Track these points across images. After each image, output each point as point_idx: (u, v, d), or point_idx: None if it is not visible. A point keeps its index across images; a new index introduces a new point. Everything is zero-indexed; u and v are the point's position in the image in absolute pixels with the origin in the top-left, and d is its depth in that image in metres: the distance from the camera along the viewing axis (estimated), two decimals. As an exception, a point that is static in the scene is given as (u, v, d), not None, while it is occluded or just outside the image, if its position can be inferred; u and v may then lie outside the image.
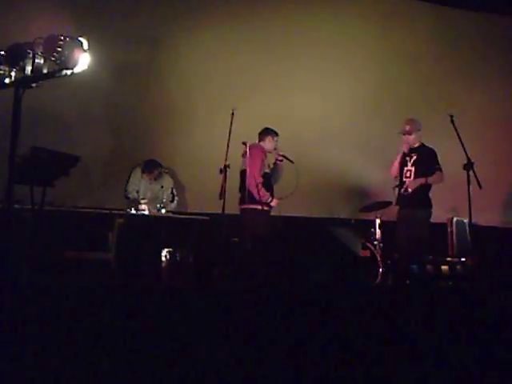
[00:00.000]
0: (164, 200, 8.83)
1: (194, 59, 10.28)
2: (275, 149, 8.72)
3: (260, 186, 8.28)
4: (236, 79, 10.43)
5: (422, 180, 8.23)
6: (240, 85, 10.38)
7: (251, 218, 8.33)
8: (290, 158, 8.59)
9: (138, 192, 9.02)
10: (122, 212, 8.39)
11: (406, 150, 8.43)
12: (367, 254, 8.63)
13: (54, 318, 4.30)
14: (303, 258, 8.04)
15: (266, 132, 8.73)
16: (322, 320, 4.81)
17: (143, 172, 9.18)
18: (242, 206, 8.39)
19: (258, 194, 8.25)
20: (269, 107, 10.36)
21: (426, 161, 8.37)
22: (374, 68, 11.27)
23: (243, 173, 8.36)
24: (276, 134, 8.74)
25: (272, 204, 8.42)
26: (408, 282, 8.12)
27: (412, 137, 8.44)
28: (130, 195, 9.04)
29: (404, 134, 8.43)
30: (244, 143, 8.38)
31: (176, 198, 9.21)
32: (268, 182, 8.49)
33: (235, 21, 10.58)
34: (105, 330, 4.21)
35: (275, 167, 8.76)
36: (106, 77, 8.96)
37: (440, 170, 8.36)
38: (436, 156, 8.41)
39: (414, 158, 8.37)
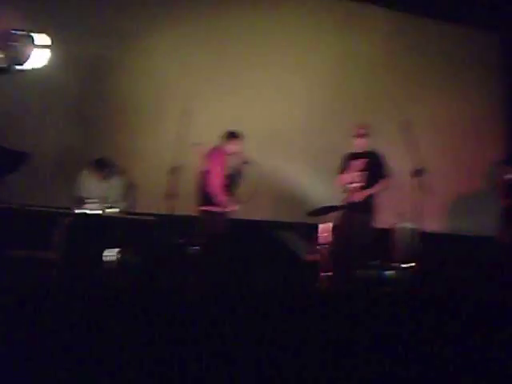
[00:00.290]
0: (114, 199, 8.78)
1: (149, 58, 10.26)
2: (238, 152, 8.72)
3: (223, 189, 8.32)
4: (191, 79, 10.40)
5: (370, 191, 8.27)
6: (194, 85, 10.34)
7: (210, 220, 8.36)
8: (252, 161, 8.63)
9: (87, 192, 8.95)
10: (69, 211, 8.33)
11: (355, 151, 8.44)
12: (313, 258, 8.64)
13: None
14: (250, 261, 8.04)
15: (230, 135, 8.74)
16: (263, 323, 4.84)
17: (93, 171, 9.10)
18: (202, 208, 8.41)
19: (219, 198, 8.32)
20: (223, 108, 10.36)
21: (378, 166, 8.41)
22: (330, 72, 11.31)
23: (203, 174, 8.38)
24: (238, 136, 8.76)
25: (230, 209, 8.46)
26: (353, 286, 8.15)
27: (364, 141, 8.47)
28: (79, 195, 8.97)
29: (358, 137, 8.43)
30: (196, 144, 8.39)
31: (125, 197, 9.16)
32: (229, 184, 8.50)
33: (188, 21, 10.56)
34: (49, 331, 4.20)
35: (238, 171, 8.75)
36: (60, 73, 8.90)
37: (389, 175, 8.42)
38: (385, 161, 8.47)
39: (365, 162, 8.37)
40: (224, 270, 7.67)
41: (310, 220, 9.14)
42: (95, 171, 9.09)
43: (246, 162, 8.68)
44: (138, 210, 9.25)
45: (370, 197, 8.36)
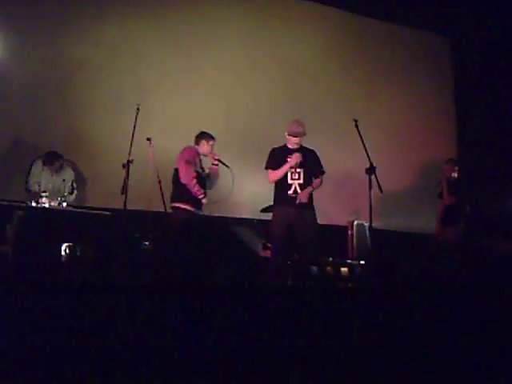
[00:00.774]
0: (65, 193, 8.70)
1: (101, 52, 10.19)
2: (210, 153, 8.70)
3: (195, 181, 8.32)
4: (143, 74, 10.37)
5: (310, 189, 8.25)
6: (147, 80, 10.32)
7: (180, 216, 8.34)
8: (225, 162, 8.59)
9: (39, 185, 8.84)
10: (22, 204, 8.22)
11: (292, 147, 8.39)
12: (267, 254, 8.63)
13: None
14: (205, 256, 8.01)
15: (201, 136, 8.70)
16: (218, 319, 4.80)
17: (44, 164, 8.99)
18: (173, 204, 8.39)
19: (194, 189, 8.32)
20: (175, 103, 10.36)
21: (315, 163, 8.40)
22: (277, 69, 11.35)
23: (176, 171, 8.40)
24: (211, 137, 8.69)
25: (203, 201, 8.42)
26: (307, 283, 8.16)
27: (302, 139, 8.42)
28: (31, 188, 8.86)
29: (298, 136, 8.38)
30: (149, 139, 8.42)
31: (75, 191, 9.06)
32: (200, 182, 8.46)
33: (143, 14, 10.53)
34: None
35: (210, 171, 8.74)
36: (12, 64, 8.81)
37: (324, 172, 8.44)
38: (319, 159, 8.49)
39: (300, 160, 8.32)
40: (179, 265, 7.62)
41: (263, 216, 9.13)
42: (47, 164, 8.98)
43: (217, 164, 8.65)
44: (90, 204, 9.18)
45: (311, 193, 8.35)
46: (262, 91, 11.08)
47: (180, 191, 8.42)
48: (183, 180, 8.36)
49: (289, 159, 8.24)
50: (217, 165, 8.69)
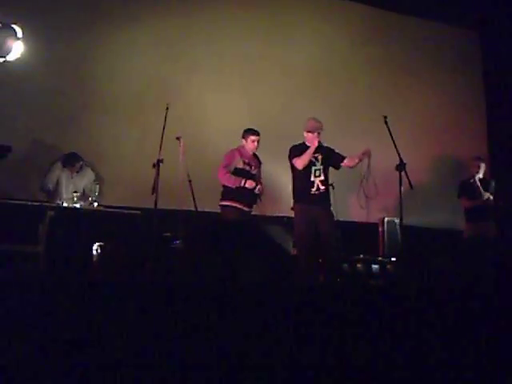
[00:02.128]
0: (96, 193, 8.70)
1: (129, 52, 10.20)
2: (254, 148, 8.79)
3: (228, 174, 8.49)
4: (173, 73, 10.38)
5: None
6: (175, 79, 10.32)
7: (224, 213, 8.57)
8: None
9: (57, 185, 8.88)
10: (53, 205, 8.27)
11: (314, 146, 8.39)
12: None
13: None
14: (236, 255, 7.99)
15: (246, 132, 8.79)
16: (250, 317, 4.77)
17: (64, 166, 9.01)
18: (219, 203, 8.62)
19: (229, 182, 8.48)
20: (203, 102, 10.35)
21: (334, 155, 8.41)
22: (308, 67, 11.30)
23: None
24: (255, 133, 8.76)
25: (247, 185, 8.49)
26: (339, 280, 8.14)
27: (319, 135, 8.42)
28: (45, 187, 8.90)
29: (318, 131, 8.38)
30: (178, 138, 8.42)
31: (96, 192, 9.04)
32: (241, 175, 8.58)
33: (170, 13, 10.53)
34: (33, 327, 4.12)
35: (256, 169, 8.88)
36: (39, 66, 8.83)
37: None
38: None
39: (321, 157, 8.34)
40: (210, 264, 7.61)
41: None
42: (67, 166, 9.00)
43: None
44: (120, 204, 9.17)
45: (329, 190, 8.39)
46: (289, 89, 11.03)
47: (224, 190, 8.61)
48: (220, 180, 8.55)
49: (312, 158, 8.29)
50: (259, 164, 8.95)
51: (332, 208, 8.31)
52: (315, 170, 8.30)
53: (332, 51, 11.60)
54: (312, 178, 8.28)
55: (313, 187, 8.25)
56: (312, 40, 11.51)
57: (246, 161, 8.69)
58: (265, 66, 11.06)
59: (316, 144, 8.25)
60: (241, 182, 8.46)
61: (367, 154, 8.08)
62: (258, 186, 8.56)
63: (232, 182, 8.47)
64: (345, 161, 8.37)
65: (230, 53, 10.87)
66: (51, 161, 9.12)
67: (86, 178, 9.15)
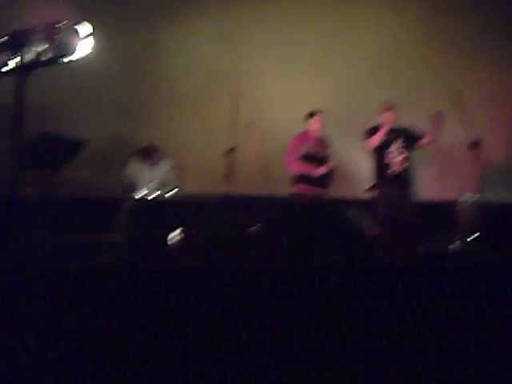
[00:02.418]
0: (171, 182, 8.79)
1: (199, 42, 10.22)
2: (320, 127, 8.71)
3: (293, 162, 8.43)
4: (242, 61, 10.36)
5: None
6: (245, 67, 10.31)
7: (295, 198, 8.54)
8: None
9: (136, 177, 9.00)
10: (130, 195, 8.43)
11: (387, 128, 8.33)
12: (375, 233, 8.57)
13: (65, 305, 4.31)
14: (313, 238, 8.01)
15: (309, 115, 8.73)
16: (328, 301, 4.79)
17: (142, 158, 9.11)
18: (292, 189, 8.57)
19: (295, 168, 8.44)
20: (275, 89, 10.32)
21: (411, 134, 8.34)
22: (380, 48, 11.15)
23: None
24: (316, 113, 8.70)
25: (320, 170, 8.47)
26: (420, 261, 8.09)
27: (394, 116, 8.35)
28: (125, 181, 9.02)
29: (392, 108, 8.31)
30: (251, 124, 8.44)
31: (176, 181, 9.12)
32: (307, 161, 8.52)
33: (239, 1, 10.52)
34: (119, 317, 4.23)
35: (325, 150, 8.78)
36: (109, 62, 8.95)
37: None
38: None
39: (397, 137, 8.27)
40: (288, 249, 7.65)
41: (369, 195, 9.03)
42: (145, 158, 9.10)
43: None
44: (195, 192, 9.25)
45: (413, 170, 8.27)
46: (361, 70, 10.91)
47: (294, 175, 8.53)
48: (288, 168, 8.49)
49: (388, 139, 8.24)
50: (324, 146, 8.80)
51: (413, 188, 8.25)
52: (391, 151, 8.26)
53: (404, 30, 11.42)
54: (389, 159, 8.25)
55: (390, 168, 8.22)
56: (384, 20, 11.35)
57: (312, 144, 8.61)
58: (337, 49, 10.95)
59: (390, 124, 8.21)
60: (307, 170, 8.43)
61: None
62: (328, 166, 8.54)
63: (299, 169, 8.43)
64: (423, 139, 8.29)
65: (300, 37, 10.79)
66: (128, 154, 9.24)
67: (164, 169, 9.23)
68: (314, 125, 8.65)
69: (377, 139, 8.21)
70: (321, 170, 8.46)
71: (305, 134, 8.66)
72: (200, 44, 10.24)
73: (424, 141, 8.28)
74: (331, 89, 10.55)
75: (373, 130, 8.34)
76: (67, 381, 3.38)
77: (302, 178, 8.47)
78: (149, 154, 9.10)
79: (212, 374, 3.56)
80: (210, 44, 10.28)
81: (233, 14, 10.43)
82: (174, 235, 7.83)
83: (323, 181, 8.56)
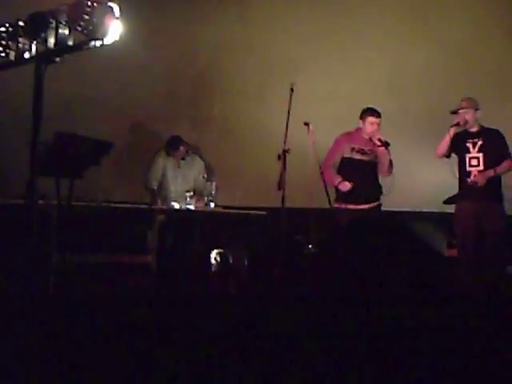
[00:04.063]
0: (213, 192, 8.77)
1: (244, 25, 10.24)
2: (372, 132, 8.42)
3: (326, 170, 8.23)
4: (295, 50, 10.32)
5: (490, 172, 8.09)
6: (299, 57, 10.27)
7: (340, 217, 8.31)
8: (385, 140, 8.33)
9: (163, 178, 8.99)
10: (163, 207, 8.41)
11: (459, 126, 8.24)
12: (454, 253, 8.51)
13: (86, 335, 4.34)
14: (379, 259, 7.97)
15: (364, 112, 8.50)
16: (398, 329, 4.78)
17: (168, 153, 9.10)
18: (335, 205, 8.35)
19: (326, 180, 8.17)
20: (332, 82, 10.27)
21: (497, 146, 8.24)
22: (453, 40, 11.03)
23: None
24: (375, 114, 8.45)
25: (341, 188, 8.24)
26: (503, 286, 8.02)
27: (470, 115, 8.27)
28: (149, 185, 9.00)
29: (458, 112, 8.24)
30: (306, 124, 8.31)
31: (213, 191, 9.08)
32: (347, 168, 8.41)
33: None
34: (147, 348, 4.25)
35: (375, 155, 8.52)
36: (140, 49, 8.98)
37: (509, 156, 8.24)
38: (506, 139, 8.28)
39: (480, 143, 8.20)
40: (348, 269, 7.62)
41: (447, 208, 8.94)
42: (171, 151, 9.07)
43: (380, 145, 8.41)
44: (242, 204, 9.24)
45: (498, 182, 8.17)
46: (431, 63, 10.81)
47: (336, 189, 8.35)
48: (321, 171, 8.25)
49: (468, 144, 8.16)
50: (380, 145, 8.38)
51: (503, 202, 8.16)
52: (470, 159, 8.17)
53: (474, 23, 11.31)
54: (468, 168, 8.17)
55: (469, 178, 8.16)
56: (457, 12, 11.25)
57: (357, 147, 8.40)
58: (404, 37, 10.88)
59: (452, 132, 8.16)
60: (335, 182, 8.27)
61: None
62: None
63: (327, 180, 8.22)
64: (503, 163, 8.22)
65: (355, 30, 10.69)
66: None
67: (195, 168, 9.20)
68: (370, 126, 8.39)
69: (442, 146, 8.17)
70: (344, 186, 8.24)
71: (352, 134, 8.52)
72: (249, 26, 10.29)
73: (503, 165, 8.22)
74: (395, 83, 10.46)
75: (460, 136, 8.29)
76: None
77: (339, 192, 8.32)
78: (175, 146, 9.07)
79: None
80: (261, 27, 10.29)
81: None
82: (214, 256, 7.85)
83: (366, 193, 8.36)
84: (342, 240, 8.04)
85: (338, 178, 8.26)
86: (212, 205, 8.54)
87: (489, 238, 7.97)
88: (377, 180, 8.46)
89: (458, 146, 8.20)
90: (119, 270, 7.90)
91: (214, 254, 7.77)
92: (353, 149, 8.41)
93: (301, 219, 8.54)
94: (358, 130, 8.51)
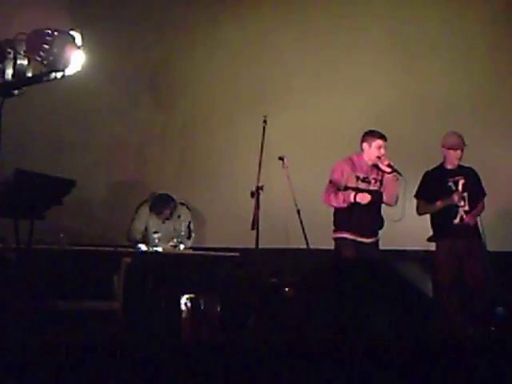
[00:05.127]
0: (182, 233, 8.74)
1: (214, 55, 10.23)
2: (379, 157, 8.12)
3: (332, 193, 8.00)
4: (266, 80, 10.33)
5: (474, 212, 8.21)
6: (272, 87, 10.28)
7: (338, 248, 8.20)
8: (398, 169, 8.05)
9: (146, 231, 8.94)
10: (129, 250, 8.35)
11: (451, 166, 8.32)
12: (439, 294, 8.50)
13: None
14: (361, 303, 7.93)
15: (368, 135, 8.25)
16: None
17: (151, 211, 9.06)
18: (332, 235, 8.23)
19: (337, 201, 7.99)
20: (307, 111, 10.25)
21: (477, 185, 8.35)
22: (446, 54, 11.03)
23: None
24: (379, 136, 8.17)
25: (360, 200, 7.91)
26: (493, 328, 8.01)
27: (461, 155, 8.36)
28: (132, 237, 8.95)
29: (458, 148, 8.30)
30: (281, 158, 8.29)
31: (193, 234, 9.08)
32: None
33: (263, 11, 10.51)
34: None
35: (381, 182, 8.26)
36: (104, 80, 8.96)
37: (485, 195, 8.38)
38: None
39: (462, 181, 8.26)
40: (328, 317, 7.58)
41: (431, 246, 8.92)
42: (155, 212, 9.05)
43: (390, 172, 8.21)
44: (213, 245, 9.20)
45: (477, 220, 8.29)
46: (421, 86, 10.78)
47: (336, 217, 8.20)
48: (325, 202, 8.12)
49: (450, 183, 8.25)
50: (390, 173, 8.06)
51: (483, 239, 8.20)
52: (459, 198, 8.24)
53: (471, 36, 11.31)
54: (453, 208, 8.21)
55: (455, 218, 8.18)
56: (450, 26, 11.25)
57: (361, 175, 8.15)
58: (387, 61, 10.82)
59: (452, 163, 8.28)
60: (350, 197, 7.93)
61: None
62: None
63: (339, 200, 7.98)
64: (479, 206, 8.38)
65: (336, 48, 10.71)
66: (134, 197, 9.22)
67: (181, 221, 9.14)
68: (377, 150, 8.10)
69: (432, 211, 8.37)
70: (362, 198, 7.93)
71: (353, 160, 8.24)
72: (218, 54, 10.25)
73: (479, 206, 8.36)
74: (380, 111, 10.41)
75: (431, 177, 8.43)
76: None
77: (344, 220, 8.10)
78: (158, 208, 9.03)
79: None
80: (229, 54, 10.32)
81: (258, 24, 10.44)
82: (184, 302, 7.80)
83: (372, 225, 8.24)
84: (344, 274, 7.97)
85: (352, 192, 7.98)
86: (182, 246, 8.50)
87: (472, 277, 8.02)
88: (380, 212, 8.31)
89: (435, 186, 8.25)
90: (84, 318, 7.82)
91: (184, 299, 7.69)
92: (358, 178, 8.15)
93: (276, 260, 8.52)
94: (359, 156, 8.27)
